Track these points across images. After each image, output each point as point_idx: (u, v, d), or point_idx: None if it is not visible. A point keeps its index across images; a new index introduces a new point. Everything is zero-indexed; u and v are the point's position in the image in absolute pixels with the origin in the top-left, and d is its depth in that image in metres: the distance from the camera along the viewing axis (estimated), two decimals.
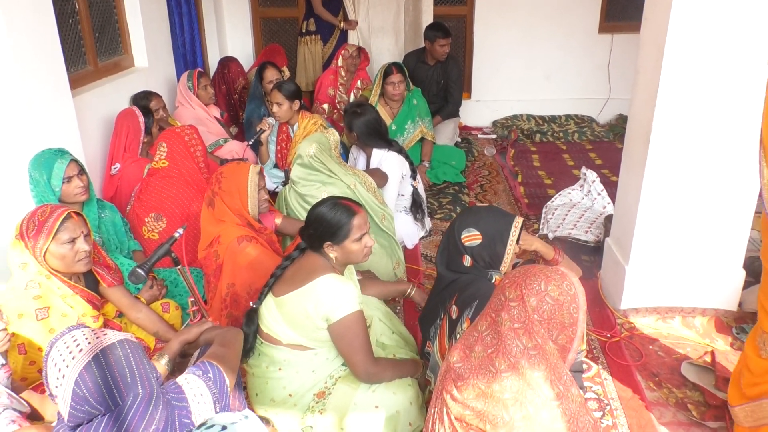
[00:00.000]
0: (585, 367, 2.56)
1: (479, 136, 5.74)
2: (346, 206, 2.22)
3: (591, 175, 3.95)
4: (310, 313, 2.14)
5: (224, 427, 1.19)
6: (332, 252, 2.21)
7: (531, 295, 1.50)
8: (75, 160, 2.61)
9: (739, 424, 2.03)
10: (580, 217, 3.64)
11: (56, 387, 1.35)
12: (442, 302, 2.13)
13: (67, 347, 1.37)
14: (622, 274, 2.89)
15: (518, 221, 2.14)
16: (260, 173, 2.77)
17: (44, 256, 2.12)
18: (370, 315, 2.45)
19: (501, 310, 1.56)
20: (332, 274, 2.17)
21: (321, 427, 2.14)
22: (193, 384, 1.56)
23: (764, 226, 1.88)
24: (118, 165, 3.46)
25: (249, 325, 2.20)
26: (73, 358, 1.34)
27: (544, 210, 3.86)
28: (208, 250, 2.58)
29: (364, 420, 2.10)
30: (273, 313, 2.22)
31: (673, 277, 2.83)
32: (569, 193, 3.95)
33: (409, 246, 3.55)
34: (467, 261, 2.10)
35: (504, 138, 5.58)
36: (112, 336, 1.42)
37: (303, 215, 3.14)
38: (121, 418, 1.41)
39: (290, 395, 2.20)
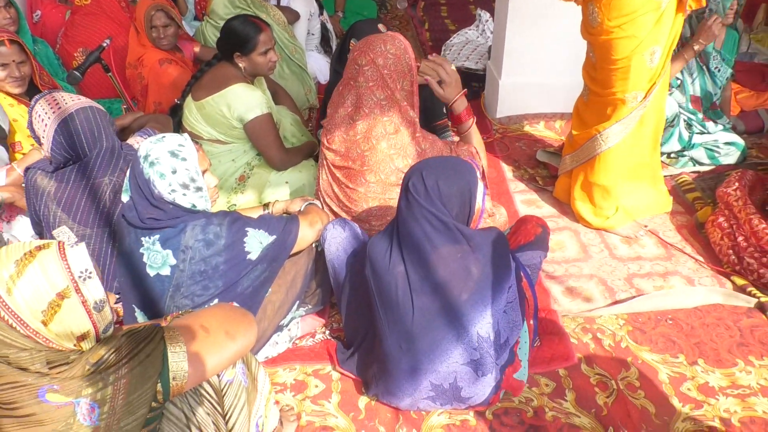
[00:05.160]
0: None
1: None
2: (255, 23, 2.61)
3: (485, 16, 4.40)
4: (226, 114, 2.60)
5: (162, 138, 1.67)
6: (241, 62, 2.62)
7: (378, 57, 2.00)
8: None
9: (564, 169, 2.70)
10: (473, 51, 4.13)
11: (42, 134, 1.83)
12: None
13: (49, 104, 1.83)
14: (497, 88, 3.44)
15: None
16: (161, 10, 3.06)
17: None
18: (279, 119, 2.91)
19: (357, 76, 2.05)
20: (242, 83, 2.60)
21: (243, 203, 2.68)
22: (142, 143, 2.03)
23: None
24: (39, 12, 3.65)
25: (173, 115, 2.66)
26: (54, 112, 1.81)
27: (443, 48, 4.31)
28: (132, 71, 2.95)
29: (277, 193, 2.63)
30: (194, 114, 2.66)
31: (537, 88, 3.40)
32: (466, 32, 4.41)
33: (322, 80, 3.97)
34: None
35: None
36: (84, 101, 1.92)
37: None
38: (89, 165, 1.90)
39: (218, 189, 2.69)
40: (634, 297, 2.26)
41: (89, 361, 1.18)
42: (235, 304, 1.74)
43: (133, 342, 1.24)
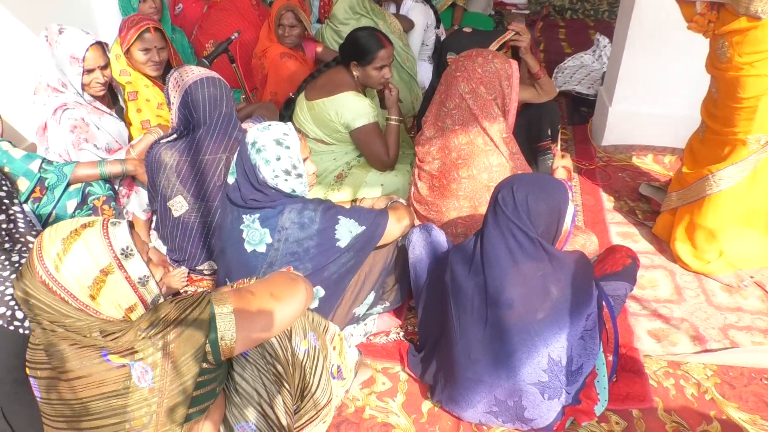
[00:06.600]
0: None
1: (513, 11, 5.99)
2: (379, 38, 2.70)
3: (603, 41, 4.29)
4: (333, 119, 2.72)
5: (268, 126, 1.79)
6: (356, 71, 2.73)
7: (479, 56, 2.05)
8: None
9: (669, 207, 2.58)
10: (586, 76, 4.03)
11: (174, 94, 2.11)
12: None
13: (186, 71, 2.13)
14: (606, 114, 3.35)
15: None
16: (291, 11, 3.23)
17: (129, 52, 2.72)
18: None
19: (453, 80, 2.10)
20: (352, 92, 2.71)
21: (338, 200, 2.79)
22: (249, 129, 2.19)
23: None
24: (180, 5, 4.00)
25: (287, 109, 2.81)
26: (188, 76, 2.05)
27: (555, 70, 4.25)
28: (256, 61, 3.18)
29: (371, 192, 2.72)
30: (305, 112, 2.81)
31: (649, 118, 3.27)
32: (581, 56, 4.32)
33: None
34: None
35: (536, 13, 5.84)
36: (212, 73, 2.18)
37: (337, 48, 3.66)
38: (208, 133, 2.12)
39: (316, 175, 2.83)
40: (727, 348, 2.12)
41: (140, 327, 1.26)
42: (291, 269, 1.73)
43: (181, 308, 1.29)
